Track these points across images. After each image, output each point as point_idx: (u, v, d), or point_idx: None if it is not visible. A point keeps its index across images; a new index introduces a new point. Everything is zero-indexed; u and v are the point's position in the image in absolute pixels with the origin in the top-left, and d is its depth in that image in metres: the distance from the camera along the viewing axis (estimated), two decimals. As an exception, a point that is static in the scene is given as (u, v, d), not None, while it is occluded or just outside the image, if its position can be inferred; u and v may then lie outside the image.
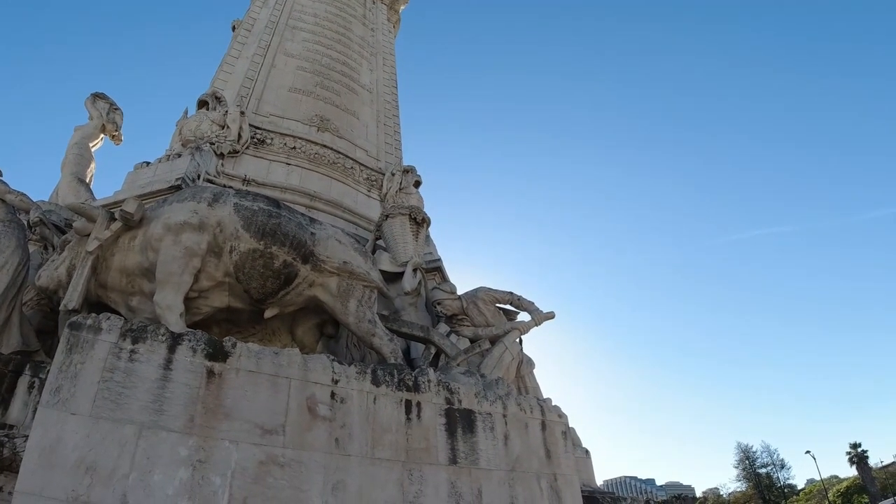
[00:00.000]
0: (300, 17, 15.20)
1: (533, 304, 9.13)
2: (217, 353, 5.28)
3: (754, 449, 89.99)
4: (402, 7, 19.71)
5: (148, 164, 10.48)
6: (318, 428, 5.37)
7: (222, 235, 6.25)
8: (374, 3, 17.78)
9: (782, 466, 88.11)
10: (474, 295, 9.12)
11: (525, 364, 9.41)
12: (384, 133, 13.92)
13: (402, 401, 6.03)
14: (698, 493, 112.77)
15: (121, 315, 6.03)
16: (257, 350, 5.48)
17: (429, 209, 11.28)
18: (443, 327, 8.74)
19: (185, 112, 11.85)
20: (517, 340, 8.74)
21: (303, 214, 7.15)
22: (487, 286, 9.36)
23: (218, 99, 11.56)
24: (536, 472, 6.69)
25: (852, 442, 76.50)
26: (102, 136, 13.00)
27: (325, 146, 11.93)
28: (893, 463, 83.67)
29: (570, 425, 10.34)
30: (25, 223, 8.02)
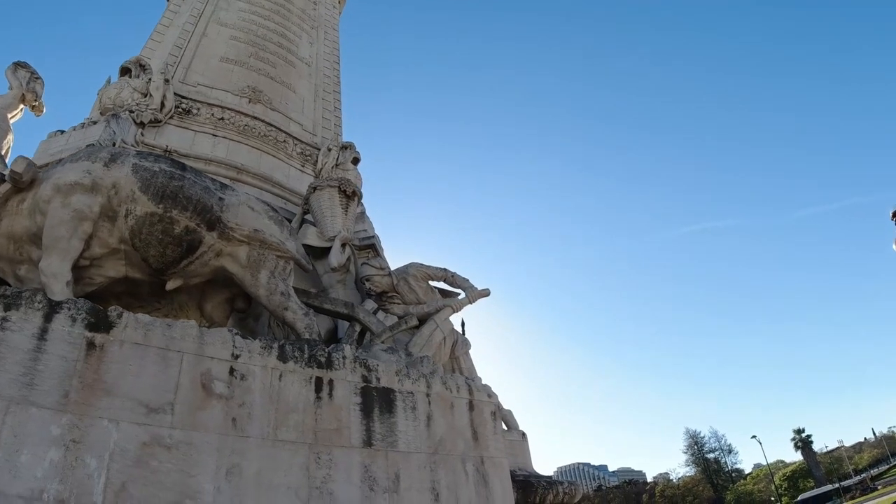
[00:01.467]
0: (238, -15, 14.50)
1: (467, 280, 8.74)
2: (100, 324, 4.78)
3: (702, 435, 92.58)
4: (349, -18, 19.08)
5: (62, 132, 9.82)
6: (212, 407, 4.92)
7: (117, 198, 5.70)
8: (317, -25, 17.12)
9: (730, 451, 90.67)
10: (405, 271, 8.70)
11: (460, 344, 9.01)
12: (322, 108, 13.34)
13: (311, 378, 5.60)
14: (649, 479, 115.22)
15: (10, 286, 5.53)
16: (147, 321, 4.99)
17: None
18: (369, 304, 8.30)
19: (108, 80, 11.12)
20: (449, 318, 8.37)
21: (213, 179, 6.63)
22: (420, 262, 8.95)
23: (142, 66, 10.85)
24: (462, 455, 6.36)
25: (796, 427, 78.93)
26: (22, 106, 12.21)
27: (255, 118, 11.32)
28: (837, 448, 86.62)
29: (509, 407, 10.06)
30: None
